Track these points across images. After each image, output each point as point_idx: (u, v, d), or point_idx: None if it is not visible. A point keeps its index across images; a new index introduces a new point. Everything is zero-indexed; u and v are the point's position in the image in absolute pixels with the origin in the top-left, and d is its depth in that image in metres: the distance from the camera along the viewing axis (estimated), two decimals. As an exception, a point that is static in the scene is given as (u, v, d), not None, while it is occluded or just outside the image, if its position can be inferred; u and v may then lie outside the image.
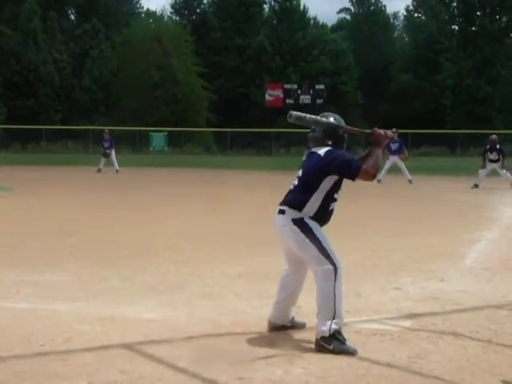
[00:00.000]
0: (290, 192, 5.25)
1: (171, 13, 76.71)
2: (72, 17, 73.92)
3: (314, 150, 5.32)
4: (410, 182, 23.75)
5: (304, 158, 5.70)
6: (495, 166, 22.54)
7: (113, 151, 29.53)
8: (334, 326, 4.84)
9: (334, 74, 68.20)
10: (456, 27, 74.64)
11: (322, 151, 5.20)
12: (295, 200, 5.15)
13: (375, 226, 12.33)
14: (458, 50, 70.32)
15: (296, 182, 5.26)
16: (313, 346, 4.91)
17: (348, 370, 4.45)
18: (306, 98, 61.11)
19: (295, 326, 5.39)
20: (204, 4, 75.43)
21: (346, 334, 4.91)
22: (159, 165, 35.10)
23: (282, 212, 5.17)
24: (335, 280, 4.94)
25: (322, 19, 78.67)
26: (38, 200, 16.63)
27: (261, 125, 57.07)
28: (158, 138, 57.12)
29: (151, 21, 72.86)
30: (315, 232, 5.09)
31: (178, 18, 75.28)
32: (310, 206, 5.11)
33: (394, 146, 24.84)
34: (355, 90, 69.52)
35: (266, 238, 10.37)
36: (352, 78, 69.97)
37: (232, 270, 7.79)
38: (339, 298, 4.93)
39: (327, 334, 4.83)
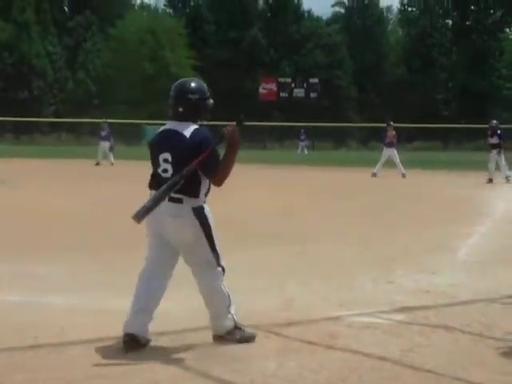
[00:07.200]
0: (166, 178, 4.66)
1: (165, 5, 76.63)
2: (66, 9, 73.61)
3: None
4: (404, 175, 23.79)
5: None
6: (496, 154, 22.73)
7: (108, 143, 29.65)
8: (234, 317, 4.80)
9: (328, 67, 68.17)
10: (450, 21, 74.72)
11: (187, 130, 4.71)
12: (188, 186, 4.62)
13: (368, 219, 12.35)
14: (452, 44, 70.41)
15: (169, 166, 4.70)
16: (306, 340, 4.92)
17: (340, 363, 4.47)
18: (299, 92, 61.16)
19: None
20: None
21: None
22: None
23: (177, 200, 4.63)
24: (223, 275, 4.85)
25: (316, 12, 78.81)
26: (31, 192, 16.60)
27: (254, 118, 57.04)
28: (152, 131, 57.01)
29: (145, 13, 72.70)
30: (212, 228, 4.78)
31: (171, 11, 75.12)
32: (202, 189, 4.74)
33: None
34: (349, 83, 69.53)
35: (255, 231, 10.40)
36: (346, 71, 69.97)
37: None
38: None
39: (232, 327, 4.79)
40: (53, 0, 68.75)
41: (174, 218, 4.62)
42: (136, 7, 77.10)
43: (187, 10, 74.17)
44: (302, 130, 49.83)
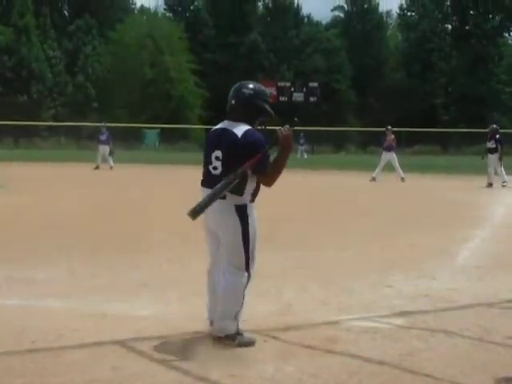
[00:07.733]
0: (215, 175, 4.82)
1: (164, 9, 76.68)
2: (65, 13, 73.67)
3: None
4: (403, 179, 23.80)
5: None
6: (495, 160, 22.65)
7: (107, 147, 29.65)
8: (239, 324, 4.90)
9: (328, 71, 68.22)
10: (449, 26, 74.80)
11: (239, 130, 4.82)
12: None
13: (367, 223, 12.35)
14: (451, 49, 70.47)
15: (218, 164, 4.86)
16: (305, 344, 4.91)
17: (340, 367, 4.46)
18: (299, 96, 61.03)
19: None
20: (197, 1, 75.37)
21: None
22: (152, 162, 35.02)
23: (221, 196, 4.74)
24: (247, 282, 4.95)
25: (316, 17, 78.84)
26: (29, 196, 16.57)
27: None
28: (151, 135, 57.00)
29: (145, 17, 72.76)
30: (250, 229, 4.85)
31: (171, 15, 75.20)
32: (248, 189, 4.82)
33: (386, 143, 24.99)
34: (348, 88, 69.58)
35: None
36: (345, 76, 70.02)
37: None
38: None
39: (233, 332, 4.85)
40: (52, 4, 68.88)
41: (219, 212, 4.77)
42: (136, 11, 77.13)
43: (187, 14, 74.27)
44: (302, 134, 49.80)
